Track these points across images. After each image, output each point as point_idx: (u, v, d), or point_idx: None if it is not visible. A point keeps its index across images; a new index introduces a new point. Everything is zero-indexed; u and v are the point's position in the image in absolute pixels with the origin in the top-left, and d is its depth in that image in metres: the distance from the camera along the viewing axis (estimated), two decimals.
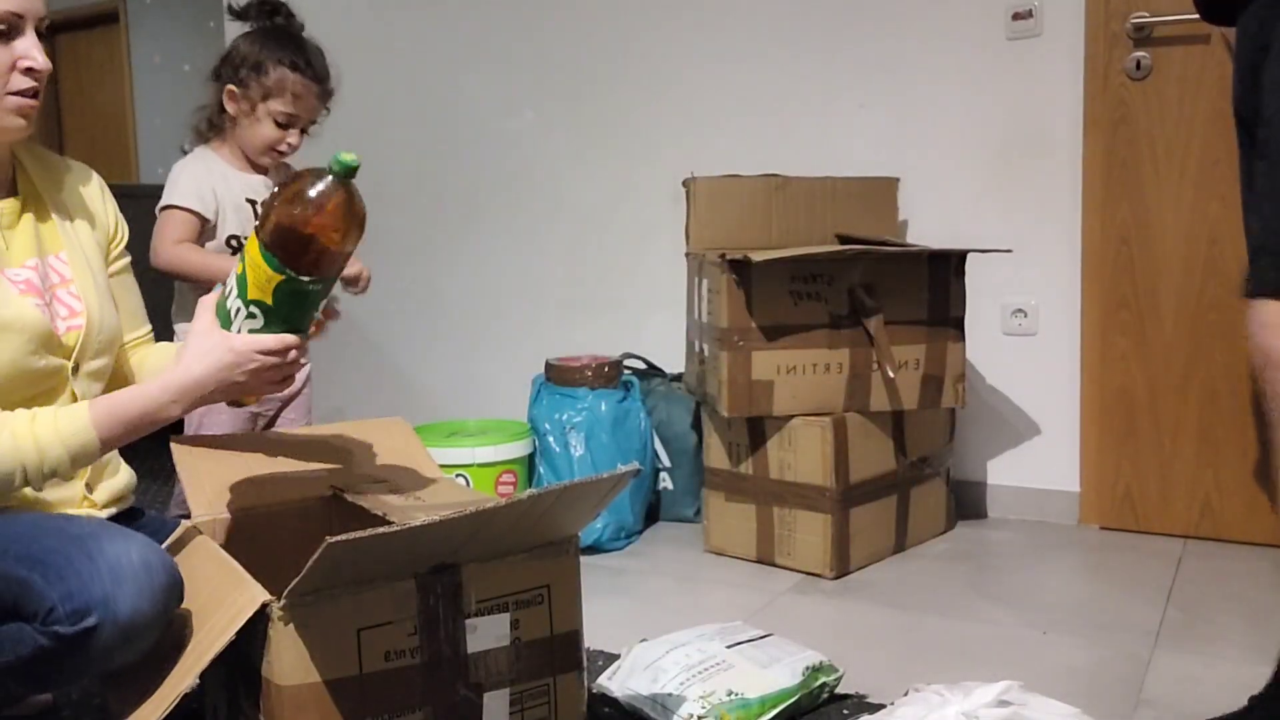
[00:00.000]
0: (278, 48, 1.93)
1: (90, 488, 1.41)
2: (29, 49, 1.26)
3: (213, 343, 1.22)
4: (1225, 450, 2.31)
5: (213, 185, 1.94)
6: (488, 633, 1.19)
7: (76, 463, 1.23)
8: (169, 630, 1.19)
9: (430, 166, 3.28)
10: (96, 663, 1.16)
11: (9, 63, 1.26)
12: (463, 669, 1.18)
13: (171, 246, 1.91)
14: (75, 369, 1.37)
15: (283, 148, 1.96)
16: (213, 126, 2.00)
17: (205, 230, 1.96)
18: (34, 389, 1.32)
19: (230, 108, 1.95)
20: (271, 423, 2.15)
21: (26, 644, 1.14)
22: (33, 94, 1.28)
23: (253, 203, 1.99)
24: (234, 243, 1.97)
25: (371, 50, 3.35)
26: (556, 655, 1.24)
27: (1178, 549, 2.27)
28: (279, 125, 1.94)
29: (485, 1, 3.13)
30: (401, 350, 3.40)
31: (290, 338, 1.22)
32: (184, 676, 1.12)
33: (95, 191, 1.50)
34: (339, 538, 1.01)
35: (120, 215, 1.54)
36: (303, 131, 1.98)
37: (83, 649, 1.13)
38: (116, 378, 1.51)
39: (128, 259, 1.55)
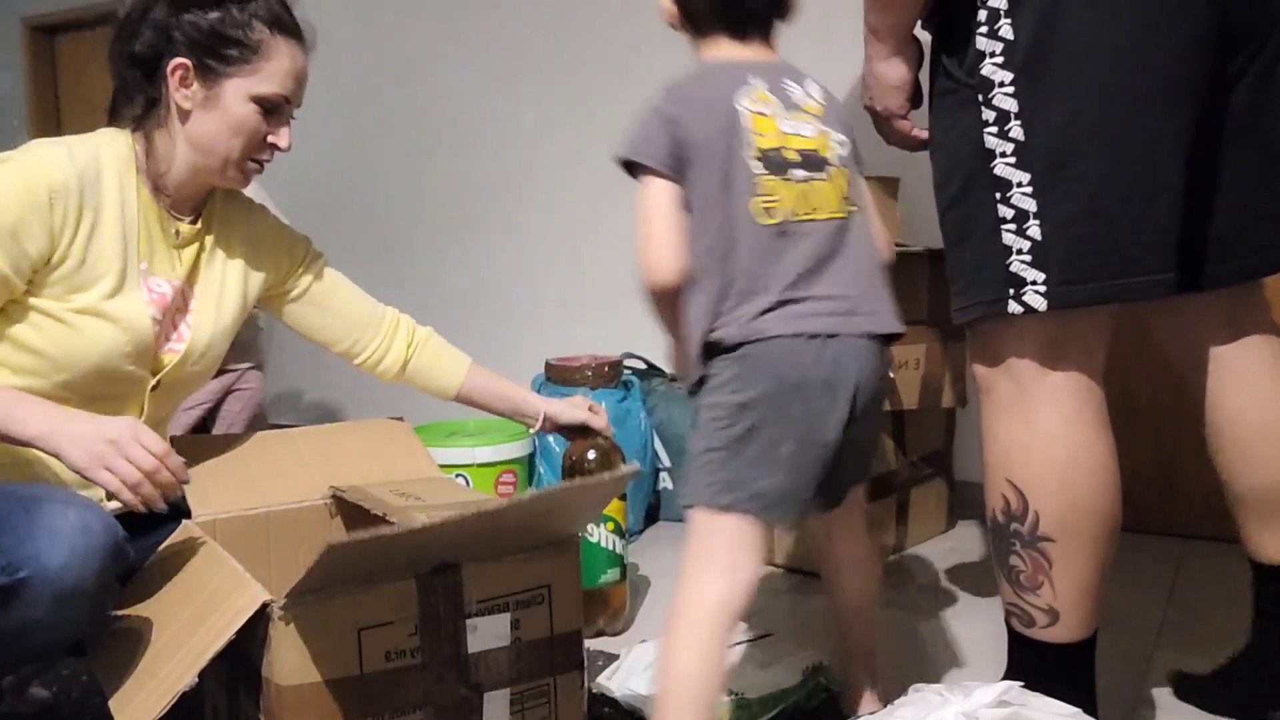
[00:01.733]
0: None
1: None
2: (283, 130, 1.44)
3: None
4: None
5: None
6: (488, 633, 1.19)
7: None
8: (170, 630, 1.20)
9: (430, 166, 3.28)
10: (31, 622, 1.16)
11: (263, 135, 1.42)
12: (463, 669, 1.18)
13: None
14: (155, 386, 1.44)
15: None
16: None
17: None
18: (109, 389, 1.38)
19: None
20: (214, 412, 2.20)
21: None
22: (264, 164, 1.46)
23: None
24: None
25: (369, 49, 3.35)
26: (557, 655, 1.24)
27: (1178, 549, 2.27)
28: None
29: (486, 1, 3.13)
30: None
31: (176, 457, 1.25)
32: (183, 674, 1.12)
33: (268, 232, 1.57)
34: (340, 540, 1.01)
35: (296, 240, 1.61)
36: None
37: (13, 604, 1.14)
38: (357, 355, 1.68)
39: (314, 271, 1.63)
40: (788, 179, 1.28)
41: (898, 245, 2.24)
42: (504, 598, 1.20)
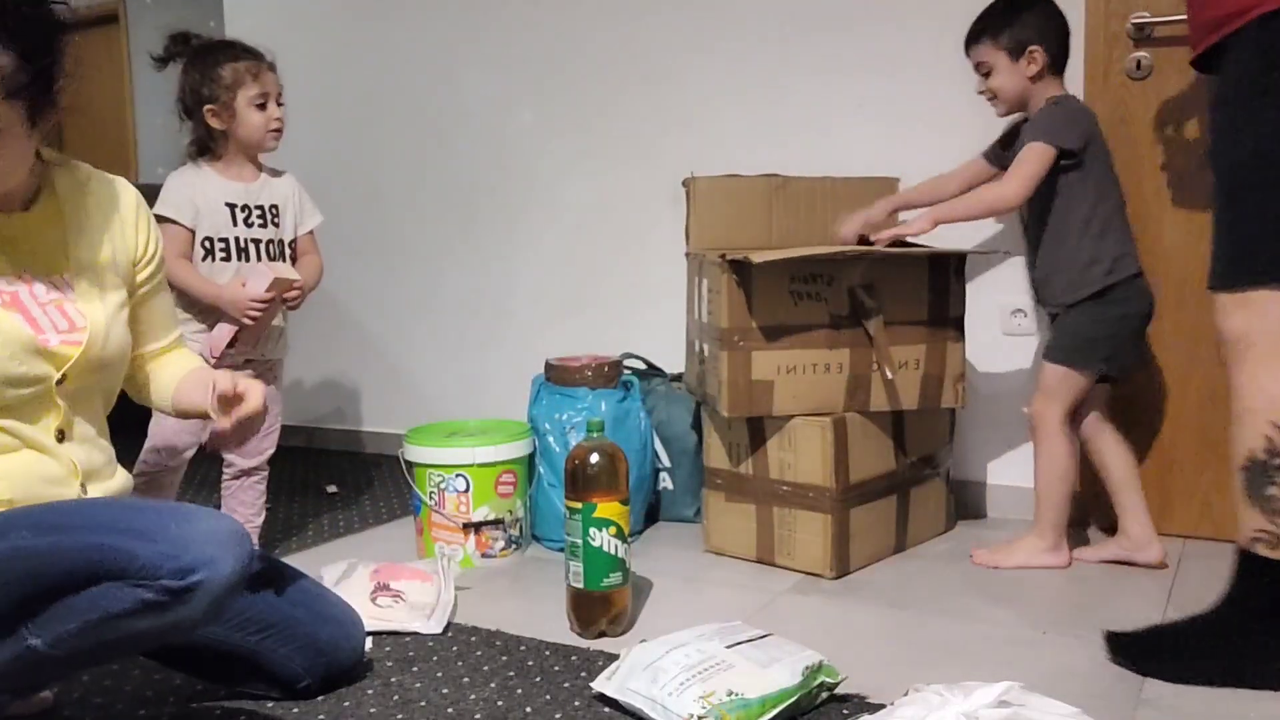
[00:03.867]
0: (212, 54, 2.14)
1: (84, 489, 1.44)
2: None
3: None
4: (1225, 450, 2.30)
5: (192, 195, 2.12)
6: None
7: None
8: None
9: (430, 166, 3.28)
10: (183, 622, 1.23)
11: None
12: None
13: (171, 260, 2.08)
14: (61, 381, 1.41)
15: (275, 125, 2.16)
16: (204, 150, 2.18)
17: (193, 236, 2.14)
18: (16, 392, 1.36)
19: (216, 123, 2.13)
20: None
21: (121, 600, 1.20)
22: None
23: (231, 206, 2.15)
24: (207, 244, 2.14)
25: (370, 50, 3.35)
26: None
27: (1178, 549, 2.27)
28: (259, 108, 2.13)
29: (484, 1, 3.13)
30: (401, 350, 3.40)
31: None
32: None
33: (127, 212, 1.55)
34: None
35: (156, 233, 1.59)
36: (279, 104, 2.18)
37: (183, 604, 1.20)
38: (132, 384, 1.62)
39: (161, 275, 1.61)
40: None
41: (899, 246, 2.25)
42: None
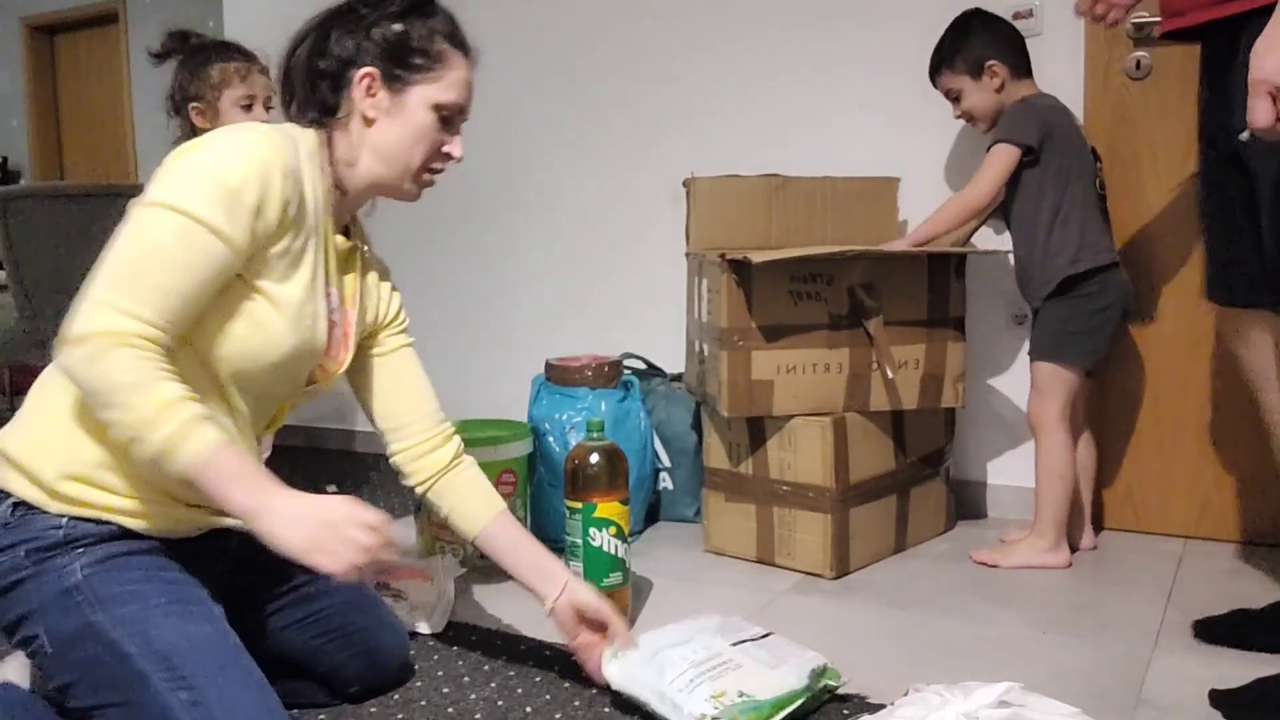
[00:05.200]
0: (205, 53, 2.14)
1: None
2: (456, 139, 1.50)
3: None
4: (1225, 450, 2.31)
5: None
6: None
7: (158, 465, 1.20)
8: None
9: None
10: None
11: (440, 144, 1.47)
12: None
13: None
14: (303, 392, 1.47)
15: None
16: None
17: None
18: (274, 388, 1.39)
19: (201, 121, 2.13)
20: None
21: None
22: (437, 176, 1.50)
23: None
24: None
25: None
26: None
27: (1178, 549, 2.27)
28: (245, 109, 2.13)
29: (484, 1, 3.13)
30: None
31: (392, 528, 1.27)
32: None
33: (384, 276, 1.62)
34: None
35: (397, 297, 1.64)
36: (266, 108, 2.16)
37: None
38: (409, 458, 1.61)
39: (404, 337, 1.65)
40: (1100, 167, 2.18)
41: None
42: None
